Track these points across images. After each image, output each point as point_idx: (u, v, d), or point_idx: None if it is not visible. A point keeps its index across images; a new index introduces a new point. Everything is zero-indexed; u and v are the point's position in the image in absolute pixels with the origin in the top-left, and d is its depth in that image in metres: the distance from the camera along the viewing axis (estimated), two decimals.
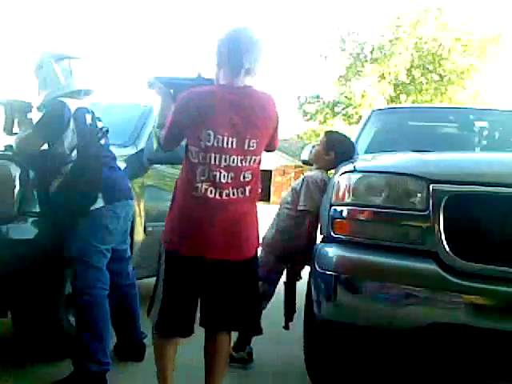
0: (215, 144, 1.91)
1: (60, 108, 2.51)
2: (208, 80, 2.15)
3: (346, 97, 21.62)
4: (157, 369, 2.11)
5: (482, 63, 20.63)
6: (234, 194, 1.96)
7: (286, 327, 2.96)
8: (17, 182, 2.45)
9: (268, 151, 2.12)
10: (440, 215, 1.98)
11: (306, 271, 2.76)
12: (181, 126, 2.00)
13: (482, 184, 2.00)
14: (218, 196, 1.94)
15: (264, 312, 3.03)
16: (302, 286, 2.87)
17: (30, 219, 2.51)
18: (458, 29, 20.70)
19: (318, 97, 23.55)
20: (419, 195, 2.04)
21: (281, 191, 26.64)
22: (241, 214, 1.99)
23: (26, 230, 2.49)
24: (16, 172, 2.46)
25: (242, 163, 1.94)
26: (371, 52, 22.04)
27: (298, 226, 2.86)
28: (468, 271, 1.94)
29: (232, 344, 2.97)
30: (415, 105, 15.17)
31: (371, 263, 2.05)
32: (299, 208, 2.85)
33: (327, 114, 22.58)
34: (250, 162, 1.96)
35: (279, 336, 3.26)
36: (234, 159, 1.93)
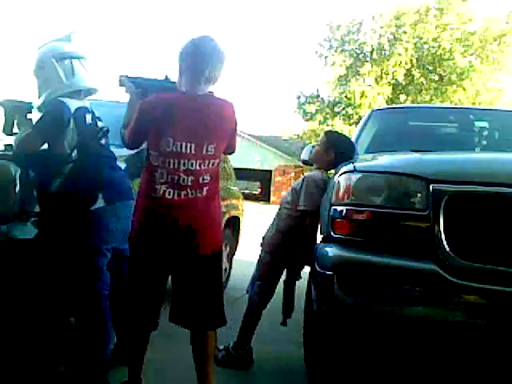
0: (174, 149, 2.02)
1: (59, 108, 2.51)
2: (174, 83, 2.25)
3: (345, 97, 21.63)
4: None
5: (482, 63, 20.63)
6: (192, 194, 2.06)
7: (284, 324, 2.97)
8: (17, 182, 2.45)
9: (227, 154, 2.26)
10: (440, 215, 1.98)
11: (306, 271, 2.77)
12: (142, 128, 2.10)
13: (482, 184, 2.00)
14: (176, 197, 2.05)
15: (264, 312, 3.04)
16: (302, 285, 2.87)
17: (30, 219, 2.51)
18: (459, 28, 20.70)
19: (317, 97, 23.56)
20: (419, 195, 2.04)
21: (281, 191, 26.63)
22: (198, 211, 2.08)
23: (25, 230, 2.49)
24: (16, 172, 2.46)
25: (200, 167, 2.05)
26: (371, 52, 22.05)
27: (297, 226, 2.86)
28: (468, 271, 1.94)
29: (232, 344, 2.98)
30: (415, 105, 15.17)
31: (371, 263, 2.05)
32: (299, 208, 2.85)
33: (327, 114, 22.58)
34: (208, 165, 2.08)
35: (279, 336, 3.27)
36: (192, 163, 2.03)
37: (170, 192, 2.04)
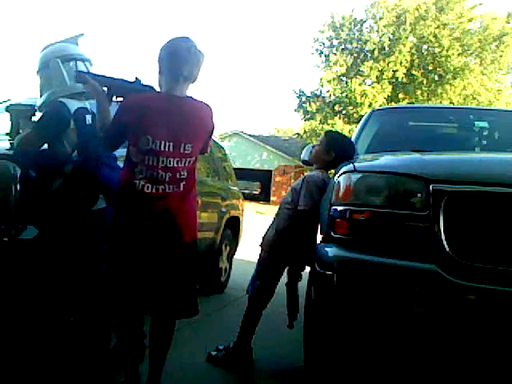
0: (153, 147, 2.10)
1: (59, 108, 2.51)
2: (146, 86, 2.34)
3: (346, 96, 21.65)
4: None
5: (481, 64, 20.63)
6: (169, 189, 2.15)
7: (291, 326, 2.96)
8: (17, 182, 2.45)
9: (201, 154, 2.35)
10: (440, 215, 1.98)
11: (306, 271, 2.77)
12: (122, 128, 2.15)
13: (482, 184, 2.00)
14: (154, 190, 2.13)
15: (264, 312, 3.04)
16: (302, 286, 2.87)
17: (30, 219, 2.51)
18: (458, 27, 20.70)
19: (318, 96, 23.58)
20: (419, 195, 2.04)
21: (281, 191, 26.65)
22: (175, 204, 2.16)
23: (25, 230, 2.49)
24: (16, 172, 2.46)
25: (178, 164, 2.15)
26: (372, 51, 22.06)
27: (297, 226, 2.86)
28: (468, 271, 1.94)
29: (232, 344, 2.98)
30: (415, 105, 15.18)
31: (371, 263, 2.05)
32: (299, 208, 2.85)
33: (327, 113, 22.59)
34: (185, 163, 2.18)
35: (279, 336, 3.27)
36: (170, 161, 2.13)
37: (148, 187, 2.12)
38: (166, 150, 2.12)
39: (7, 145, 2.71)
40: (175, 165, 2.14)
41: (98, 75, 2.39)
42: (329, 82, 23.12)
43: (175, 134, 2.13)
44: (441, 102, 20.27)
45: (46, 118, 2.53)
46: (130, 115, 2.13)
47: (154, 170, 2.12)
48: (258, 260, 3.05)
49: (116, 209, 2.25)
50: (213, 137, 2.45)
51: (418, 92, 21.08)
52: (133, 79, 2.38)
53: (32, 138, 2.53)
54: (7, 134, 2.73)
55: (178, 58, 2.17)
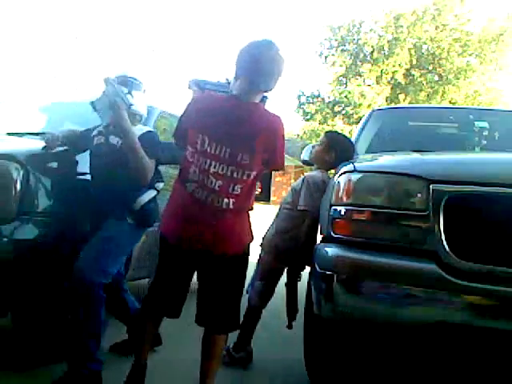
0: (208, 150, 1.99)
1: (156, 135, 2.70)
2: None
3: (345, 96, 21.65)
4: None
5: (481, 64, 20.64)
6: (218, 202, 2.01)
7: (290, 327, 2.96)
8: (17, 182, 2.45)
9: (273, 170, 2.21)
10: (440, 215, 1.98)
11: (305, 271, 2.76)
12: (185, 124, 2.09)
13: (482, 184, 1.99)
14: (203, 198, 2.01)
15: (264, 312, 3.04)
16: (302, 286, 2.87)
17: (30, 219, 2.50)
18: (457, 29, 20.71)
19: (318, 96, 23.57)
20: (419, 195, 2.04)
21: (281, 191, 26.62)
22: (219, 222, 2.03)
23: (26, 230, 2.49)
24: (16, 172, 2.46)
25: (232, 174, 1.99)
26: (371, 53, 22.06)
27: (297, 226, 2.86)
28: (468, 271, 1.94)
29: (232, 344, 2.98)
30: (415, 105, 15.18)
31: (371, 263, 2.05)
32: (299, 208, 2.85)
33: (327, 113, 22.59)
34: (242, 175, 2.01)
35: (279, 336, 3.27)
36: (223, 168, 1.99)
37: (199, 192, 2.02)
38: (222, 155, 1.98)
39: (7, 145, 2.72)
40: (229, 174, 1.99)
41: (204, 81, 2.34)
42: (328, 82, 23.14)
43: (233, 141, 1.98)
44: (440, 102, 20.26)
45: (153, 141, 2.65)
46: (191, 112, 2.07)
47: (205, 174, 2.00)
48: (258, 260, 3.05)
49: (167, 210, 2.20)
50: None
51: (418, 92, 21.08)
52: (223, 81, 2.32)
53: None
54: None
55: (259, 69, 2.00)
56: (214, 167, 1.99)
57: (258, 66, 2.00)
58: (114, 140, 2.58)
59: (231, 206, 2.02)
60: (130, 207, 2.55)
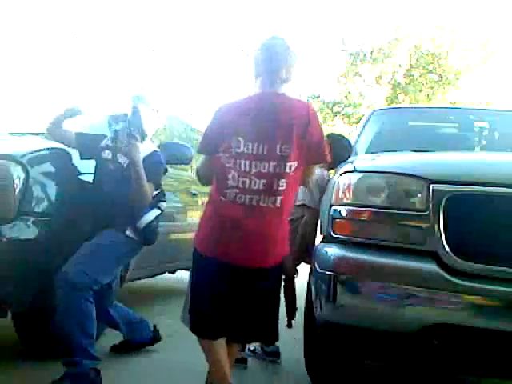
0: (245, 150, 1.92)
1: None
2: None
3: (345, 97, 21.64)
4: (209, 366, 2.08)
5: (480, 64, 20.64)
6: (263, 202, 1.93)
7: (289, 325, 2.96)
8: (17, 182, 2.45)
9: (316, 162, 2.10)
10: (440, 215, 1.98)
11: (305, 271, 2.76)
12: (213, 133, 2.03)
13: (482, 184, 2.00)
14: (247, 201, 1.92)
15: None
16: (302, 285, 2.87)
17: (30, 219, 2.51)
18: (456, 30, 20.72)
19: (317, 97, 23.56)
20: (419, 195, 2.04)
21: None
22: (268, 223, 1.96)
23: (26, 230, 2.49)
24: (16, 172, 2.46)
25: (275, 169, 1.93)
26: (371, 53, 22.07)
27: (294, 221, 2.85)
28: (468, 271, 1.94)
29: None
30: (415, 105, 15.19)
31: (371, 263, 2.05)
32: (297, 203, 2.85)
33: (327, 114, 22.59)
34: (284, 168, 1.93)
35: (279, 336, 3.26)
36: (265, 165, 1.92)
37: (241, 197, 1.93)
38: (260, 152, 1.92)
39: (8, 145, 2.72)
40: (271, 170, 1.92)
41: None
42: (328, 82, 23.14)
43: (269, 135, 1.93)
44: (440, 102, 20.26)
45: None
46: (220, 118, 2.01)
47: (246, 176, 1.92)
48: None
49: (203, 224, 2.07)
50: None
51: (418, 92, 21.09)
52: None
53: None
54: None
55: (277, 61, 2.02)
56: (256, 167, 1.92)
57: (276, 59, 2.03)
58: (121, 159, 2.68)
59: (278, 204, 1.95)
60: (135, 224, 2.65)
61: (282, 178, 1.93)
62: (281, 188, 1.94)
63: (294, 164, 1.95)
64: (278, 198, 1.94)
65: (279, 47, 2.05)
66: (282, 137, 1.93)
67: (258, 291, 2.04)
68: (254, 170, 1.91)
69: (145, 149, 2.67)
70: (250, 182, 1.92)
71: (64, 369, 2.37)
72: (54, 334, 2.49)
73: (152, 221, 2.70)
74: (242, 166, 1.92)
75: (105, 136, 2.80)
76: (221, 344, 2.06)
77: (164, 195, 2.87)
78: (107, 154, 2.71)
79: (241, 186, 1.92)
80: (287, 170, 1.94)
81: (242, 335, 2.13)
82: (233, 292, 2.01)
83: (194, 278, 2.10)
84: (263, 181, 1.92)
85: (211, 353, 2.05)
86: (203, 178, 2.19)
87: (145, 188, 2.57)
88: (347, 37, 22.79)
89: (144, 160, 2.58)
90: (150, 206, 2.69)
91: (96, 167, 2.76)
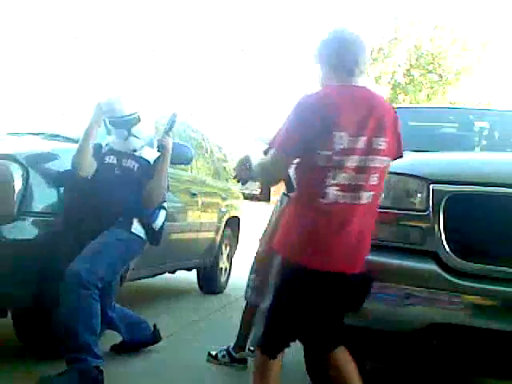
0: (346, 145, 1.79)
1: None
2: None
3: None
4: None
5: (480, 64, 20.63)
6: (362, 199, 1.82)
7: None
8: (17, 182, 2.45)
9: (400, 157, 2.00)
10: (440, 215, 1.98)
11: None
12: (306, 130, 1.82)
13: (482, 184, 2.00)
14: (349, 200, 1.80)
15: None
16: None
17: (30, 219, 2.51)
18: (456, 30, 20.72)
19: None
20: (419, 195, 2.04)
21: (281, 191, 26.60)
22: (367, 221, 1.87)
23: (26, 230, 2.49)
24: (16, 172, 2.46)
25: (372, 163, 1.83)
26: (371, 53, 22.05)
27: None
28: (468, 271, 1.94)
29: (232, 344, 2.98)
30: (415, 105, 15.18)
31: (371, 263, 2.05)
32: (291, 195, 2.83)
33: None
34: (380, 163, 1.84)
35: None
36: (364, 160, 1.81)
37: (344, 196, 1.79)
38: (358, 146, 1.80)
39: (8, 145, 2.72)
40: (370, 164, 1.81)
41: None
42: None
43: (366, 127, 1.82)
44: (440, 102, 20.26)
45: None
46: (313, 114, 1.81)
47: (347, 171, 1.79)
48: (255, 257, 3.04)
49: (296, 230, 1.87)
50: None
51: (418, 92, 21.09)
52: None
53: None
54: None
55: (353, 51, 1.92)
56: (357, 162, 1.80)
57: (351, 46, 1.93)
58: (129, 163, 2.73)
59: (370, 200, 1.84)
60: (143, 223, 2.71)
61: (375, 173, 1.84)
62: (373, 183, 1.84)
63: (386, 160, 1.88)
64: (371, 193, 1.83)
65: (351, 38, 1.95)
66: (379, 130, 1.85)
67: (349, 298, 1.92)
68: (355, 165, 1.80)
69: (151, 152, 2.77)
70: (352, 178, 1.80)
71: (67, 367, 2.37)
72: (55, 334, 2.49)
73: (164, 221, 2.80)
74: (345, 162, 1.79)
75: (99, 145, 2.81)
76: (278, 365, 2.03)
77: (165, 195, 2.88)
78: (112, 159, 2.75)
79: (342, 183, 1.79)
80: (382, 165, 1.86)
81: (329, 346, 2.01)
82: (329, 304, 1.89)
83: (286, 293, 1.89)
84: (364, 176, 1.81)
85: (263, 377, 2.00)
86: (277, 179, 2.02)
87: (163, 183, 2.70)
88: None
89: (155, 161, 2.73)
90: (158, 206, 2.76)
91: (96, 171, 2.75)
